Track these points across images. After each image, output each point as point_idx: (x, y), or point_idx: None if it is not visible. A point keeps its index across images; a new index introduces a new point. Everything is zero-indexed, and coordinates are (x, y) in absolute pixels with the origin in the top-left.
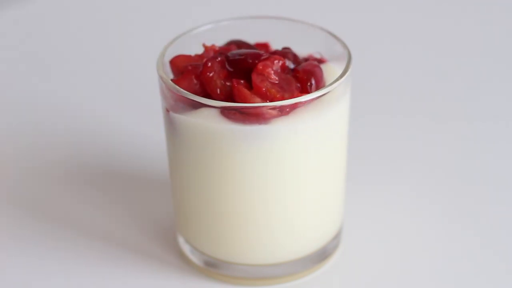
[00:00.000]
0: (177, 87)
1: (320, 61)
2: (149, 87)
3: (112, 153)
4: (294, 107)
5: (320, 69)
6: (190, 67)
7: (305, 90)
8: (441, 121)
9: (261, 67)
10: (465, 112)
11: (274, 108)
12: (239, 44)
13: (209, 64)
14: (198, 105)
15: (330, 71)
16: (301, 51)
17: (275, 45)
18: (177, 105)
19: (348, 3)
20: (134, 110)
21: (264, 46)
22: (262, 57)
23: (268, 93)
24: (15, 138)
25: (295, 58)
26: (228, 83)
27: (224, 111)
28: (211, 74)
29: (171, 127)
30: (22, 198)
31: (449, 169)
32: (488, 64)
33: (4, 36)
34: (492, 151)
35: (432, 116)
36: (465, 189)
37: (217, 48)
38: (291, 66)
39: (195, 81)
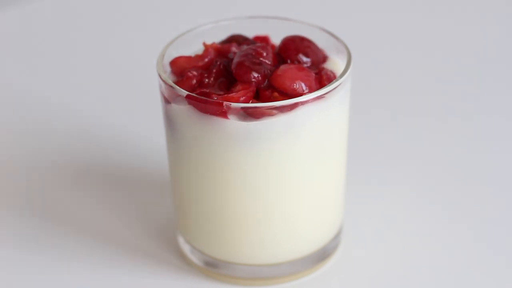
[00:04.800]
0: (177, 86)
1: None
2: (149, 87)
3: (112, 153)
4: (294, 106)
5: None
6: (190, 74)
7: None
8: (442, 120)
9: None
10: (466, 111)
11: (274, 108)
12: (239, 40)
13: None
14: (198, 105)
15: (335, 66)
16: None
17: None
18: (177, 105)
19: (348, 2)
20: (134, 110)
21: (264, 39)
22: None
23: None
24: (15, 138)
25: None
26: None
27: (224, 111)
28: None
29: (171, 127)
30: (23, 198)
31: (450, 169)
32: (489, 62)
33: (4, 36)
34: (493, 150)
35: (433, 115)
36: (466, 188)
37: (217, 46)
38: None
39: (195, 82)
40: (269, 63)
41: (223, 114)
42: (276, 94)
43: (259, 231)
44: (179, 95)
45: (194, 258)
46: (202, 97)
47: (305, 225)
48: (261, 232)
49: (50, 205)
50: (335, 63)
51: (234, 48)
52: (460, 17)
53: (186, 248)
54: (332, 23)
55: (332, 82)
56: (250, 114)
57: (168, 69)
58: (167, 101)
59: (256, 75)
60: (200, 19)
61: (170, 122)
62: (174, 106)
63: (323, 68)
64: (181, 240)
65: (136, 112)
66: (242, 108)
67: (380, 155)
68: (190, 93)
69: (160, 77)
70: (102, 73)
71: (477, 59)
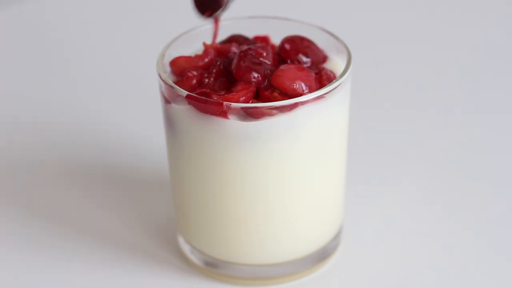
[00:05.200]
0: (177, 86)
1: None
2: (149, 87)
3: (112, 153)
4: (294, 106)
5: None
6: (190, 74)
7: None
8: (442, 120)
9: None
10: (466, 110)
11: (274, 108)
12: (239, 40)
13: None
14: (198, 105)
15: (335, 66)
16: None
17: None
18: (177, 105)
19: (348, 2)
20: (134, 110)
21: (264, 39)
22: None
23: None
24: (15, 138)
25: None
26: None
27: (224, 111)
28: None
29: (171, 127)
30: (23, 198)
31: (450, 169)
32: (489, 62)
33: (4, 36)
34: (493, 150)
35: (433, 115)
36: (466, 188)
37: (218, 46)
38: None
39: (195, 82)
40: (269, 63)
41: (223, 114)
42: (276, 94)
43: (259, 231)
44: (179, 95)
45: (194, 258)
46: (202, 97)
47: (305, 225)
48: (261, 232)
49: (50, 205)
50: (335, 63)
51: (234, 48)
52: (460, 16)
53: (186, 248)
54: (332, 23)
55: (332, 82)
56: (250, 114)
57: (168, 69)
58: (167, 101)
59: (256, 75)
60: (200, 19)
61: (170, 122)
62: (174, 106)
63: (323, 68)
64: (181, 240)
65: (136, 112)
66: (242, 108)
67: (380, 155)
68: (190, 93)
69: (160, 77)
70: (102, 73)
71: (477, 59)
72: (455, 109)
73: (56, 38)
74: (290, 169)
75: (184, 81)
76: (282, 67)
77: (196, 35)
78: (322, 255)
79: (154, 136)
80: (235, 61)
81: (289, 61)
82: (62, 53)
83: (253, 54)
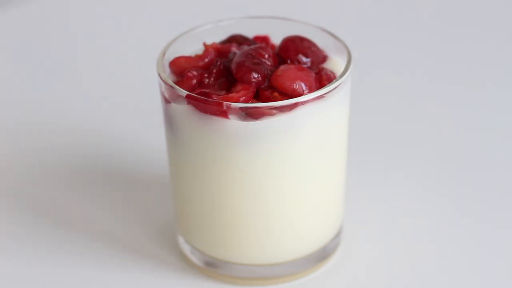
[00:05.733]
0: (177, 86)
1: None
2: (149, 87)
3: (112, 153)
4: (294, 106)
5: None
6: (190, 74)
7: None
8: (442, 119)
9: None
10: (466, 110)
11: (274, 108)
12: (239, 40)
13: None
14: (198, 105)
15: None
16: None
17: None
18: (177, 105)
19: (348, 2)
20: (134, 110)
21: (264, 39)
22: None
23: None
24: (16, 138)
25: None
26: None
27: (224, 111)
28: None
29: (171, 126)
30: (23, 198)
31: (450, 169)
32: (488, 61)
33: (4, 36)
34: (495, 150)
35: (433, 115)
36: (466, 188)
37: (218, 46)
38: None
39: (195, 82)
40: (269, 63)
41: (223, 114)
42: (276, 94)
43: (259, 231)
44: (179, 95)
45: (194, 258)
46: (202, 97)
47: (305, 225)
48: (261, 232)
49: (50, 205)
50: (335, 63)
51: (234, 48)
52: (460, 16)
53: (186, 248)
54: (332, 23)
55: (332, 82)
56: (250, 114)
57: (168, 69)
58: (167, 101)
59: (256, 75)
60: (200, 19)
61: (170, 122)
62: (174, 106)
63: (323, 68)
64: (181, 240)
65: (136, 112)
66: (242, 108)
67: (380, 155)
68: (190, 93)
69: (160, 77)
70: (102, 73)
71: (478, 58)
72: (455, 108)
73: (56, 38)
74: (290, 169)
75: (184, 81)
76: (282, 67)
77: (196, 35)
78: (322, 255)
79: (154, 136)
80: (235, 61)
81: (289, 61)
82: (62, 53)
83: (254, 54)
